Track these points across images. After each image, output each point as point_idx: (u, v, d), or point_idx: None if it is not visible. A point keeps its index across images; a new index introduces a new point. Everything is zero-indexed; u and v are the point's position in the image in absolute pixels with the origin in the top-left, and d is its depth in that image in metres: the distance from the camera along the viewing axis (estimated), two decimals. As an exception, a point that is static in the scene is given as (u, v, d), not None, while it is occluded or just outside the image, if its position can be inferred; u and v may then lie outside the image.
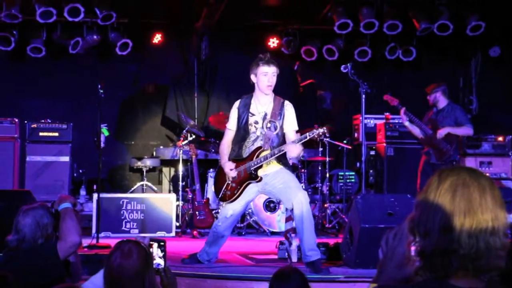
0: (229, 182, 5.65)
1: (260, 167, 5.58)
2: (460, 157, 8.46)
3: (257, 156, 5.58)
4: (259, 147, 5.60)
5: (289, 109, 5.69)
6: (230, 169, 5.60)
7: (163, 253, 3.07)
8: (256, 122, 5.64)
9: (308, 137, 5.45)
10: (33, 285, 3.38)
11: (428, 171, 7.43)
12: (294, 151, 5.47)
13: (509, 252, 1.58)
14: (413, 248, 1.63)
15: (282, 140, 5.64)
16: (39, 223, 3.64)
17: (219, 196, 5.78)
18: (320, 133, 5.51)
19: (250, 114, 5.65)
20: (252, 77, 5.65)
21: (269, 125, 5.61)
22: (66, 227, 3.67)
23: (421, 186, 7.35)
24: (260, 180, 5.61)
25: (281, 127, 5.63)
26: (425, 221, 1.62)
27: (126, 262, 2.63)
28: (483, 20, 9.57)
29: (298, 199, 5.45)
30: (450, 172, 1.64)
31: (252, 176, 5.60)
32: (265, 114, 5.63)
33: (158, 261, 3.05)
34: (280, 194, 5.65)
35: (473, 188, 1.60)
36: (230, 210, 5.72)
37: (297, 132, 5.71)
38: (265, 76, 5.56)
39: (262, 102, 5.67)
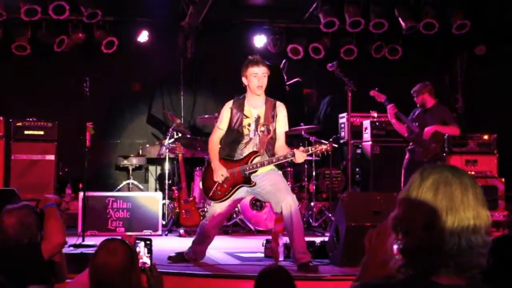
0: (220, 182, 5.63)
1: (255, 171, 5.58)
2: (445, 155, 8.51)
3: (252, 160, 5.56)
4: (255, 151, 5.58)
5: (281, 111, 5.68)
6: (222, 174, 5.57)
7: (149, 252, 3.07)
8: (249, 125, 5.62)
9: (310, 151, 5.48)
10: (17, 285, 3.36)
11: (412, 168, 7.44)
12: (301, 159, 5.48)
13: (491, 250, 1.59)
14: (395, 246, 1.63)
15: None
16: (24, 223, 3.61)
17: (209, 195, 5.70)
18: (323, 150, 5.52)
19: (244, 116, 5.63)
20: (243, 79, 5.63)
21: (262, 128, 5.59)
22: (51, 227, 3.66)
23: (405, 184, 7.38)
24: (254, 185, 5.60)
25: (274, 130, 5.64)
26: (407, 218, 1.62)
27: (111, 261, 2.62)
28: (468, 19, 9.63)
29: (286, 202, 5.45)
30: (432, 170, 1.65)
31: (246, 181, 5.59)
32: (258, 117, 5.61)
33: (145, 259, 3.04)
34: (269, 196, 5.64)
35: (455, 186, 1.60)
36: (218, 209, 5.70)
37: (286, 133, 5.74)
38: (255, 77, 5.54)
39: (254, 104, 5.65)
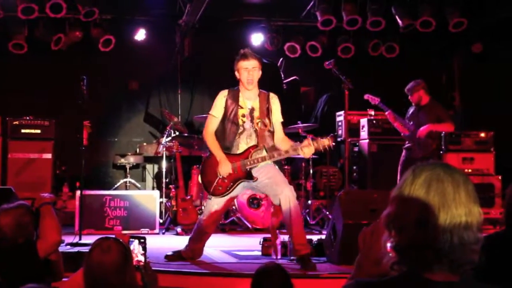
0: (221, 177, 5.58)
1: (256, 166, 5.55)
2: (442, 153, 8.51)
3: (252, 155, 5.54)
4: (255, 145, 5.56)
5: (275, 102, 5.67)
6: (228, 169, 5.50)
7: (143, 250, 3.07)
8: (244, 115, 5.60)
9: (314, 146, 5.45)
10: (13, 284, 3.36)
11: (409, 166, 7.41)
12: (309, 153, 5.47)
13: (483, 246, 1.60)
14: (388, 243, 1.63)
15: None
16: (20, 222, 3.61)
17: (210, 191, 5.62)
18: (326, 146, 5.50)
19: (239, 107, 5.61)
20: (236, 73, 5.63)
21: (258, 121, 5.57)
22: (46, 226, 3.66)
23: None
24: (255, 180, 5.56)
25: (271, 122, 5.63)
26: (399, 216, 1.62)
27: (105, 259, 2.62)
28: (465, 17, 9.64)
29: (285, 194, 5.43)
30: (424, 167, 1.65)
31: (248, 176, 5.56)
32: (252, 109, 5.60)
33: (139, 258, 3.04)
34: (266, 189, 5.61)
35: (447, 183, 1.60)
36: (215, 205, 5.66)
37: (282, 123, 5.74)
38: (245, 70, 5.54)
39: (247, 96, 5.63)
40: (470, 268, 1.59)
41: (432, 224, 1.57)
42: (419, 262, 1.59)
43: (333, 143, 5.57)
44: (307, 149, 5.40)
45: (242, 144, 5.60)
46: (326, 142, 5.48)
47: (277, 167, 5.75)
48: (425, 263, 1.59)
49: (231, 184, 5.58)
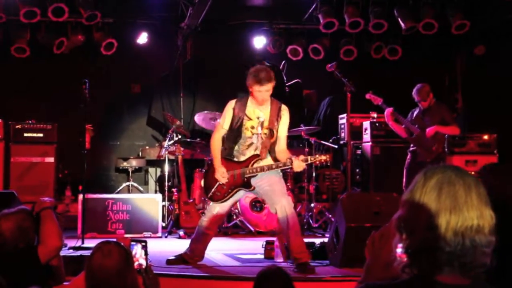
0: (220, 183, 5.61)
1: (255, 175, 5.57)
2: (445, 155, 8.48)
3: (253, 164, 5.56)
4: (256, 155, 5.58)
5: (285, 114, 5.69)
6: (223, 176, 5.56)
7: (145, 254, 3.06)
8: (253, 127, 5.61)
9: (309, 161, 5.52)
10: (15, 288, 3.35)
11: (414, 169, 7.41)
12: (299, 168, 5.49)
13: (495, 249, 1.59)
14: (399, 246, 1.63)
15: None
16: (21, 227, 3.60)
17: (208, 195, 5.72)
18: (322, 161, 5.55)
19: (246, 118, 5.61)
20: (248, 88, 5.58)
21: (266, 131, 5.58)
22: (47, 231, 3.64)
23: (407, 185, 7.37)
24: (253, 189, 5.61)
25: (277, 132, 5.63)
26: (411, 219, 1.62)
27: (106, 263, 2.62)
28: (467, 19, 9.62)
29: (281, 205, 5.48)
30: (435, 170, 1.65)
31: (245, 184, 5.60)
32: (263, 120, 5.61)
33: (141, 261, 3.03)
34: (265, 196, 5.71)
35: (458, 186, 1.60)
36: (216, 207, 5.71)
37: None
38: (259, 93, 5.50)
39: (256, 106, 5.62)
40: (482, 271, 1.58)
41: (443, 227, 1.56)
42: (430, 265, 1.58)
43: (331, 160, 5.61)
44: (296, 164, 5.40)
45: (248, 155, 5.63)
46: (323, 157, 5.51)
47: (281, 174, 5.76)
48: (436, 266, 1.58)
49: (229, 191, 5.64)
